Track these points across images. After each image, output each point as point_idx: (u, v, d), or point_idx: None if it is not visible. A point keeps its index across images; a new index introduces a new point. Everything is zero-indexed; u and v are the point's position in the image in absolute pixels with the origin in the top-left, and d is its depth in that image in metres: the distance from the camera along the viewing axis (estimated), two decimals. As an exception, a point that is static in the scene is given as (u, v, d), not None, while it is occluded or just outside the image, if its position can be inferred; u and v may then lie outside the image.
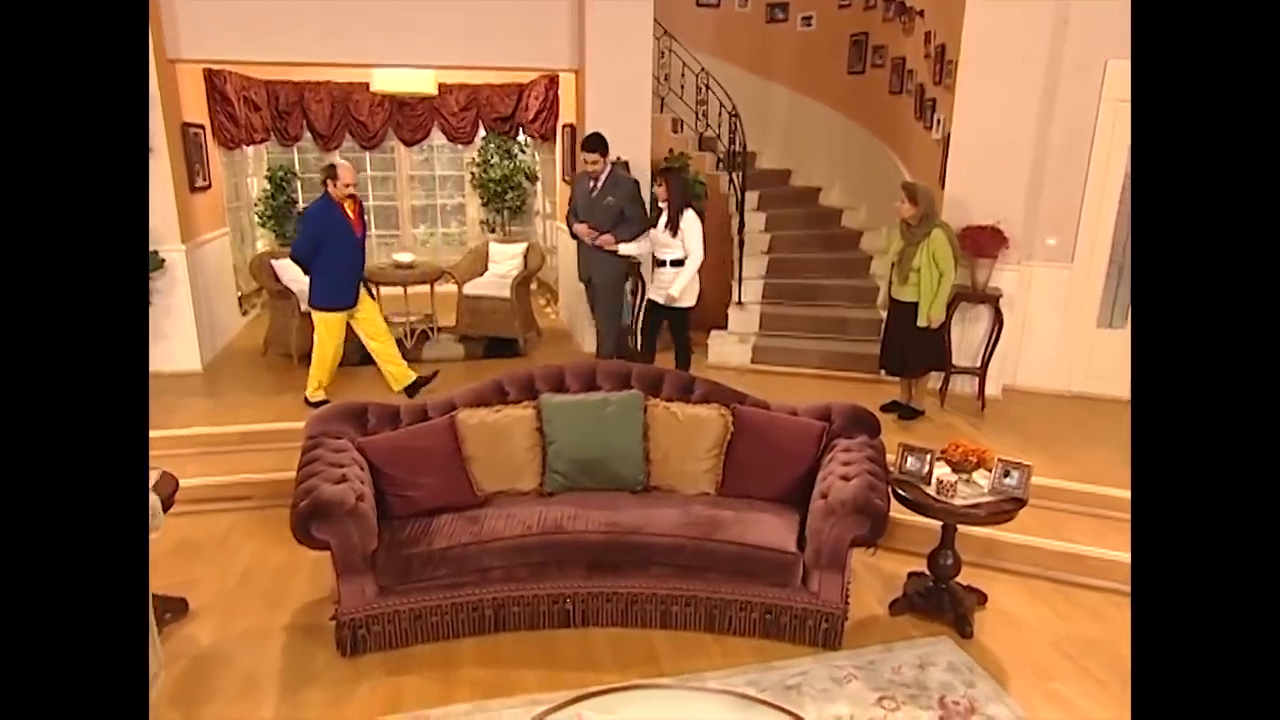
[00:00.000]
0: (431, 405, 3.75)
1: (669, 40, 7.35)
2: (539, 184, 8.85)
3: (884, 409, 5.15)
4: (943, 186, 5.60)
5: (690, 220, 5.07)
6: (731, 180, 7.11)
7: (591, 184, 5.35)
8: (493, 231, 8.77)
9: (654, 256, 5.26)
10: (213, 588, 3.68)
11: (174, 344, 5.85)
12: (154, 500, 2.81)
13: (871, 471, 3.31)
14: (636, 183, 5.51)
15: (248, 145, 7.67)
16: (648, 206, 5.50)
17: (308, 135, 8.33)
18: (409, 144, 8.61)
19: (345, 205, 5.05)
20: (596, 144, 5.24)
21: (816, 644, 3.27)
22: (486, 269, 6.89)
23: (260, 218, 8.17)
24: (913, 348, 5.09)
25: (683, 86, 7.54)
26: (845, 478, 3.27)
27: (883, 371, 5.52)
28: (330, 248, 4.98)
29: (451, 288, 6.84)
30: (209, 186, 6.58)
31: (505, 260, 6.84)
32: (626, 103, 6.06)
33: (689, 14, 7.87)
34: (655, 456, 3.68)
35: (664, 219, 5.11)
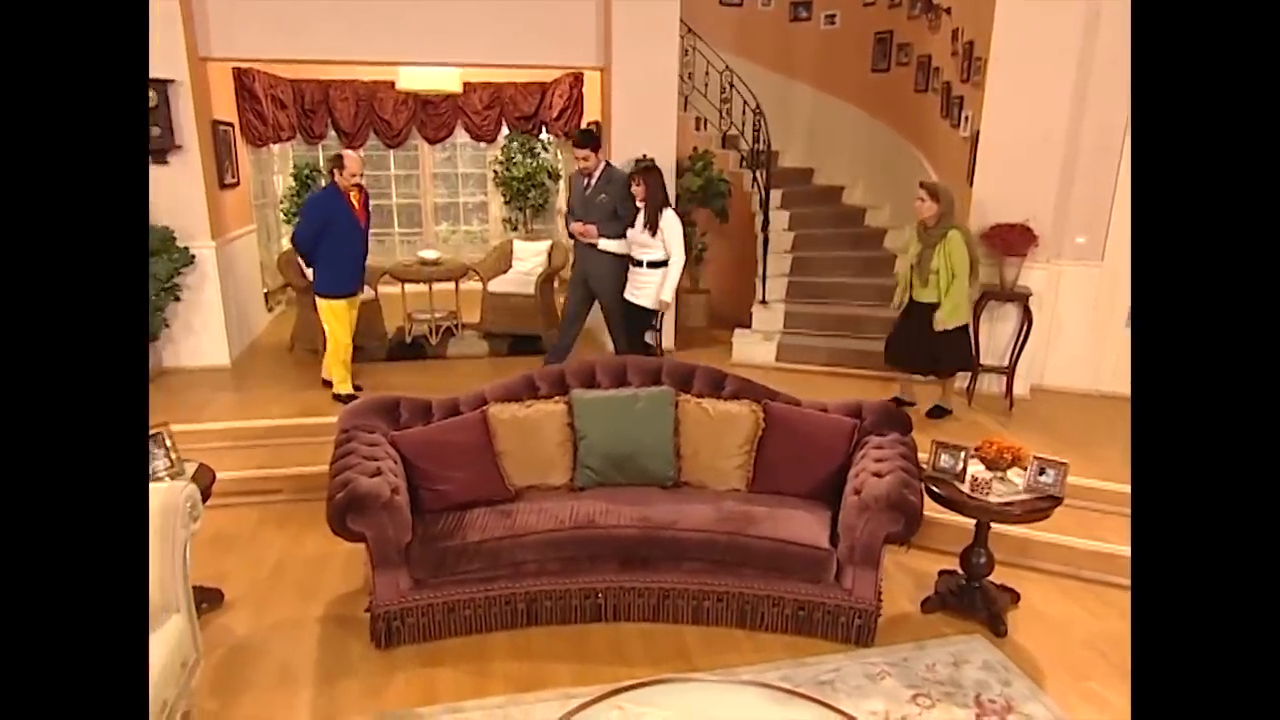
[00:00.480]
0: (463, 400, 3.77)
1: (693, 39, 7.35)
2: (561, 182, 8.87)
3: (897, 402, 5.07)
4: (970, 184, 5.57)
5: (670, 220, 4.93)
6: (755, 178, 7.10)
7: (586, 181, 5.31)
8: (515, 229, 8.80)
9: (631, 257, 5.10)
10: (246, 579, 3.72)
11: (203, 339, 5.91)
12: (193, 490, 2.84)
13: (905, 468, 3.29)
14: (629, 179, 5.44)
15: (274, 143, 7.74)
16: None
17: (333, 134, 8.39)
18: (432, 142, 8.65)
19: (350, 195, 5.12)
20: (587, 140, 5.21)
21: (849, 641, 3.27)
22: (511, 266, 6.91)
23: (285, 215, 8.24)
24: (942, 349, 4.96)
25: (706, 85, 7.54)
26: (879, 474, 3.26)
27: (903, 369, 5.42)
28: (334, 236, 5.03)
29: (476, 285, 6.87)
30: (237, 184, 6.64)
31: (529, 258, 6.86)
32: (652, 100, 6.08)
33: (712, 12, 7.87)
34: (686, 452, 3.68)
35: (641, 218, 4.95)
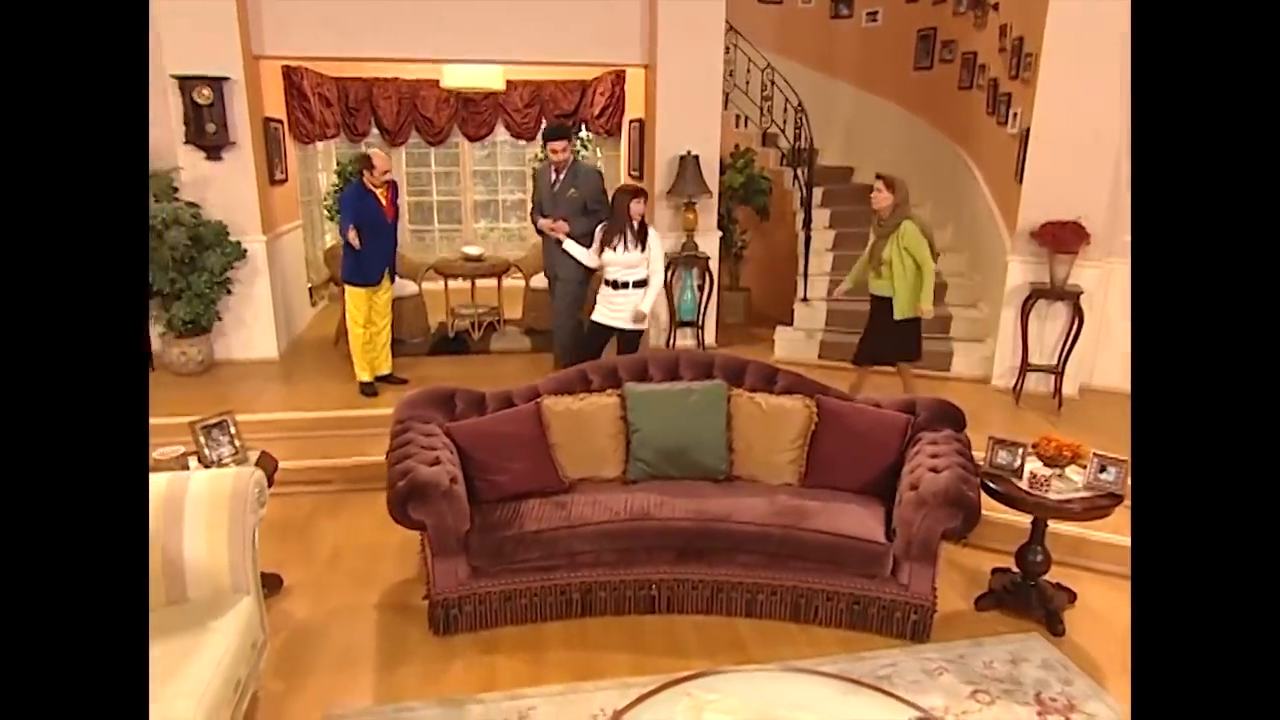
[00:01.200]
0: (516, 392, 3.80)
1: (733, 36, 7.35)
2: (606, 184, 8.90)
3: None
4: (1019, 181, 5.52)
5: (654, 236, 4.80)
6: (796, 176, 7.09)
7: (554, 176, 5.17)
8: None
9: (607, 278, 4.87)
10: (303, 566, 3.79)
11: (254, 332, 6.02)
12: (261, 476, 2.90)
13: (961, 464, 3.27)
14: (600, 174, 5.38)
15: (320, 141, 7.86)
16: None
17: (375, 131, 8.49)
18: (473, 140, 8.73)
19: (378, 191, 5.23)
20: (560, 133, 5.13)
21: (904, 636, 3.26)
22: (552, 263, 6.94)
23: (329, 211, 8.35)
24: (886, 340, 4.89)
25: (747, 83, 7.54)
26: (935, 469, 3.25)
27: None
28: (363, 230, 5.14)
29: (518, 282, 6.93)
30: (286, 180, 6.76)
31: (571, 254, 6.89)
32: (697, 97, 6.09)
33: (751, 10, 7.86)
34: (739, 446, 3.69)
35: (630, 236, 4.73)
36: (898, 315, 4.76)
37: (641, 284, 4.80)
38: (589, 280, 5.23)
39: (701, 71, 6.06)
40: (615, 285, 4.83)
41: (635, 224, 4.73)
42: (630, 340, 4.95)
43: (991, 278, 6.19)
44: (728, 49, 7.34)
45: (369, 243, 5.18)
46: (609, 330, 4.93)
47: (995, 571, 3.67)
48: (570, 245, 4.98)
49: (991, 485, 3.34)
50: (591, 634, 3.28)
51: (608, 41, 6.12)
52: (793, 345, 6.30)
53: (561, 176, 5.15)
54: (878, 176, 4.83)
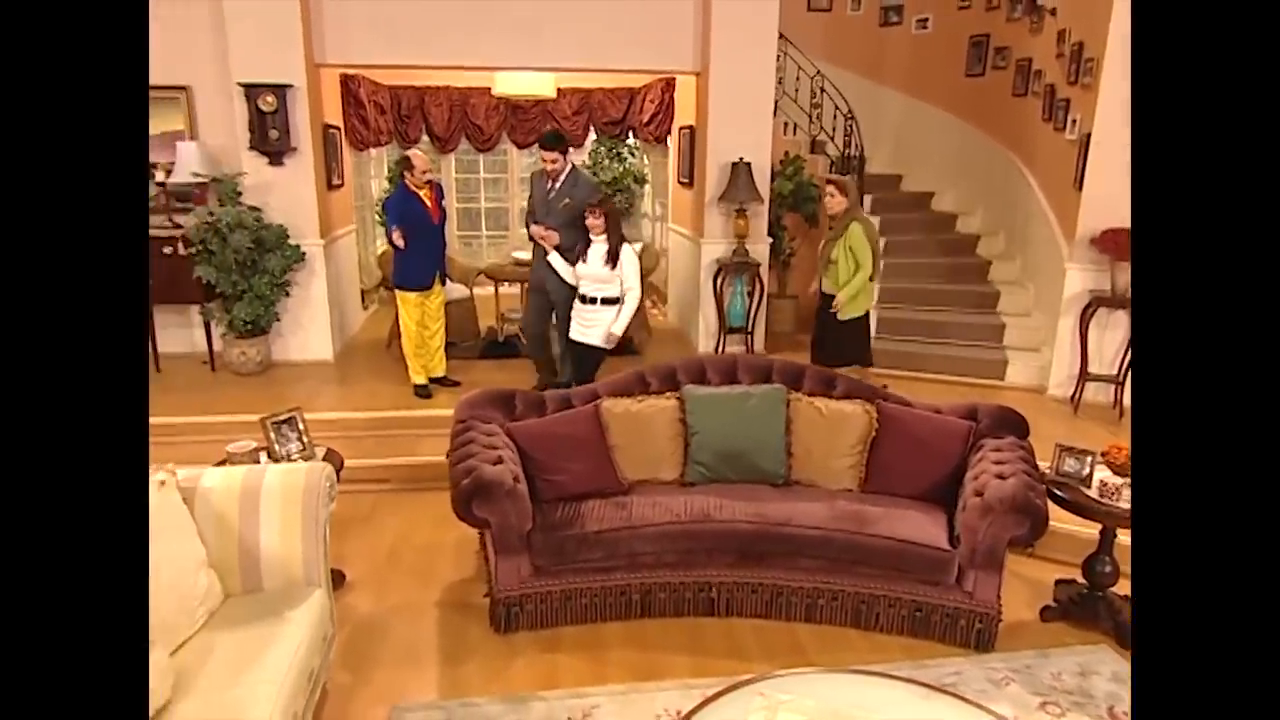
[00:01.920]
0: (575, 394, 3.84)
1: (783, 44, 7.35)
2: (647, 187, 8.95)
3: None
4: (1078, 188, 5.43)
5: (630, 255, 4.58)
6: (846, 183, 7.05)
7: (550, 184, 5.06)
8: (600, 233, 8.89)
9: (580, 293, 4.71)
10: (364, 563, 3.85)
11: (310, 334, 6.15)
12: (331, 471, 2.96)
13: (1027, 471, 3.23)
14: (597, 184, 5.33)
15: (374, 147, 8.01)
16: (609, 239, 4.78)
17: (425, 139, 8.63)
18: (521, 146, 8.83)
19: (422, 194, 5.29)
20: (555, 142, 5.02)
21: (968, 645, 3.21)
22: (601, 268, 6.98)
23: (379, 216, 8.50)
24: (834, 341, 4.94)
25: (796, 90, 7.53)
26: (1001, 476, 3.20)
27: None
28: (409, 232, 5.20)
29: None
30: (342, 185, 6.90)
31: (620, 260, 6.92)
32: (749, 105, 6.09)
33: (800, 18, 7.86)
34: (797, 451, 3.68)
35: (602, 252, 4.53)
36: (841, 316, 4.87)
37: (612, 301, 4.59)
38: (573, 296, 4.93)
39: (754, 78, 6.07)
40: (584, 300, 4.67)
41: (595, 236, 4.53)
42: (587, 358, 4.76)
43: (1046, 286, 6.09)
44: (777, 56, 7.35)
45: (417, 245, 5.25)
46: (587, 349, 4.73)
47: (1059, 583, 3.60)
48: (554, 258, 4.86)
49: (1058, 493, 3.28)
50: (651, 635, 3.28)
51: (660, 49, 6.16)
52: (842, 352, 6.25)
53: (558, 185, 5.05)
54: (828, 181, 5.02)
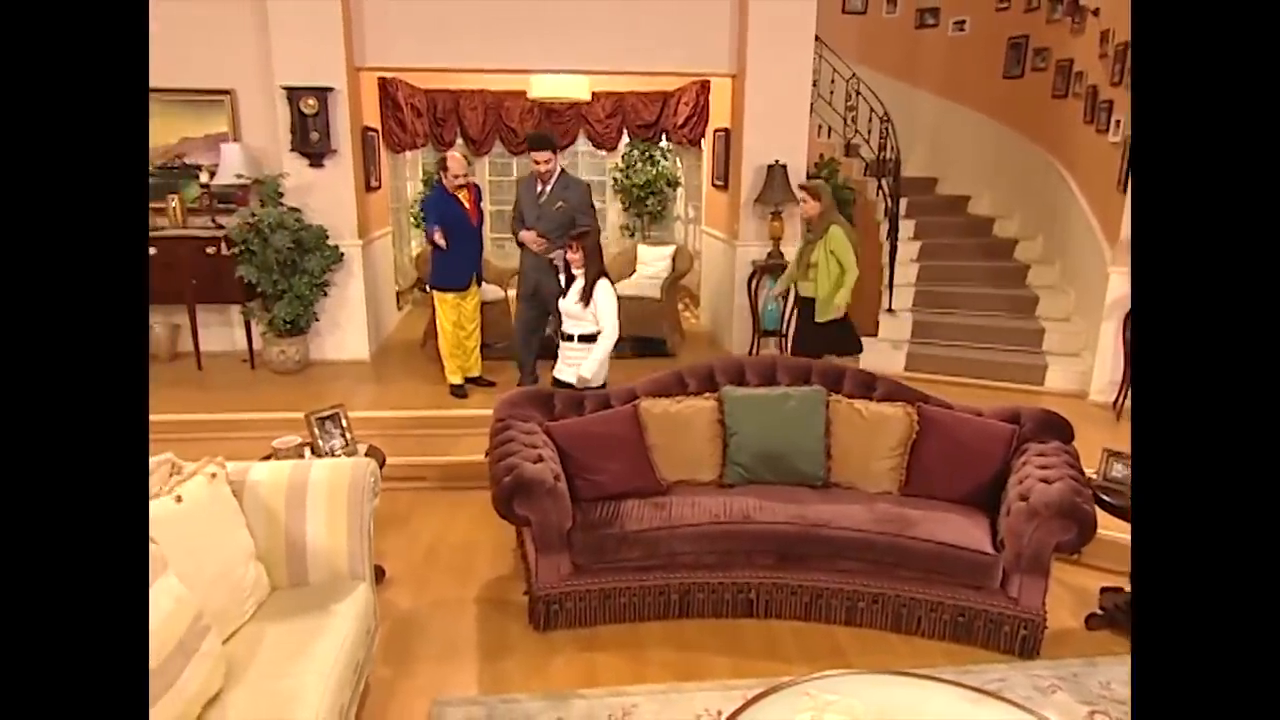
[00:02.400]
0: (613, 394, 3.84)
1: (818, 46, 7.31)
2: (680, 190, 8.96)
3: None
4: (1123, 190, 5.34)
5: (605, 291, 4.08)
6: (880, 186, 7.01)
7: (540, 187, 5.01)
8: (632, 236, 8.92)
9: (561, 331, 4.29)
10: (403, 559, 3.88)
11: (348, 333, 6.23)
12: (375, 467, 2.99)
13: (1073, 476, 3.18)
14: (588, 186, 5.22)
15: (410, 150, 8.10)
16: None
17: (460, 142, 8.70)
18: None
19: (460, 195, 5.34)
20: (544, 143, 4.95)
21: (1011, 652, 3.16)
22: (635, 270, 7.01)
23: (414, 219, 8.59)
24: (814, 341, 4.98)
25: (831, 93, 7.50)
26: (1047, 480, 3.15)
27: None
28: (448, 233, 5.23)
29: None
30: (379, 187, 6.98)
31: (654, 262, 6.95)
32: (785, 107, 6.08)
33: (834, 21, 7.81)
34: (836, 453, 3.65)
35: (576, 288, 4.10)
36: (819, 318, 4.96)
37: (589, 339, 4.11)
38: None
39: (790, 80, 6.05)
40: (564, 337, 4.24)
41: (576, 271, 4.10)
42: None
43: (1088, 290, 5.99)
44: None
45: (455, 246, 5.29)
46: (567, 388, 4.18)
47: (1105, 590, 3.54)
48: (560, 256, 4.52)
49: (1106, 499, 3.23)
50: (690, 635, 3.27)
51: (697, 51, 6.16)
52: (878, 356, 6.19)
53: (549, 188, 4.98)
54: (800, 186, 5.09)
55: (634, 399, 3.75)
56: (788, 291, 6.18)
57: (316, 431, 3.43)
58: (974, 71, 7.79)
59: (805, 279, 5.01)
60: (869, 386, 3.80)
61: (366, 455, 3.51)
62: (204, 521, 2.52)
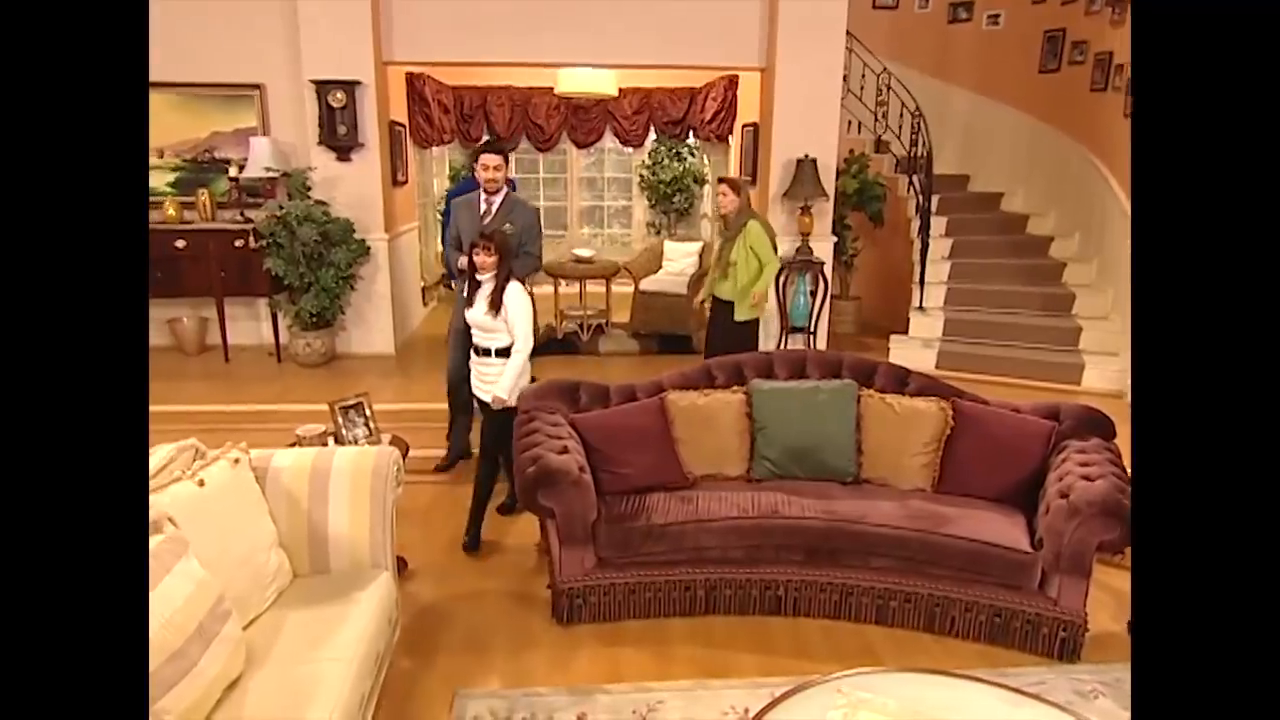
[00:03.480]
0: (639, 386, 3.78)
1: (849, 41, 7.21)
2: (706, 187, 8.89)
3: None
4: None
5: (515, 296, 3.63)
6: (912, 183, 6.89)
7: (484, 207, 4.25)
8: (659, 234, 8.86)
9: (474, 345, 3.82)
10: (425, 551, 3.84)
11: (374, 328, 6.22)
12: (399, 456, 2.95)
13: (1116, 474, 3.06)
14: (538, 211, 4.65)
15: (437, 146, 8.11)
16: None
17: (486, 138, 8.71)
18: (581, 146, 8.84)
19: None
20: (499, 146, 4.47)
21: (1050, 655, 3.05)
22: (661, 267, 6.95)
23: (439, 215, 8.60)
24: (726, 342, 4.77)
25: (861, 88, 7.39)
26: (1088, 478, 3.04)
27: None
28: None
29: (626, 288, 6.94)
30: (406, 182, 6.99)
31: (680, 258, 6.89)
32: (815, 100, 5.99)
33: (865, 16, 7.69)
34: (868, 448, 3.56)
35: (483, 294, 3.65)
36: (738, 316, 4.87)
37: (505, 353, 3.69)
38: None
39: (821, 74, 5.96)
40: (477, 351, 3.81)
41: (481, 277, 3.68)
42: (491, 424, 3.82)
43: (1127, 288, 5.83)
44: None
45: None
46: (490, 410, 3.82)
47: (1147, 593, 3.41)
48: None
49: (1151, 498, 3.10)
50: (716, 632, 3.20)
51: (726, 45, 6.09)
52: (909, 354, 6.09)
53: (494, 209, 4.23)
54: (720, 180, 4.95)
55: (660, 391, 3.69)
56: (818, 290, 6.10)
57: (340, 421, 3.41)
58: (1008, 66, 7.64)
59: (725, 279, 4.88)
60: (902, 381, 3.70)
61: (390, 445, 3.47)
62: (226, 506, 2.50)
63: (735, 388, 3.71)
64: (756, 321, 4.97)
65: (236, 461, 2.64)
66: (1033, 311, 6.32)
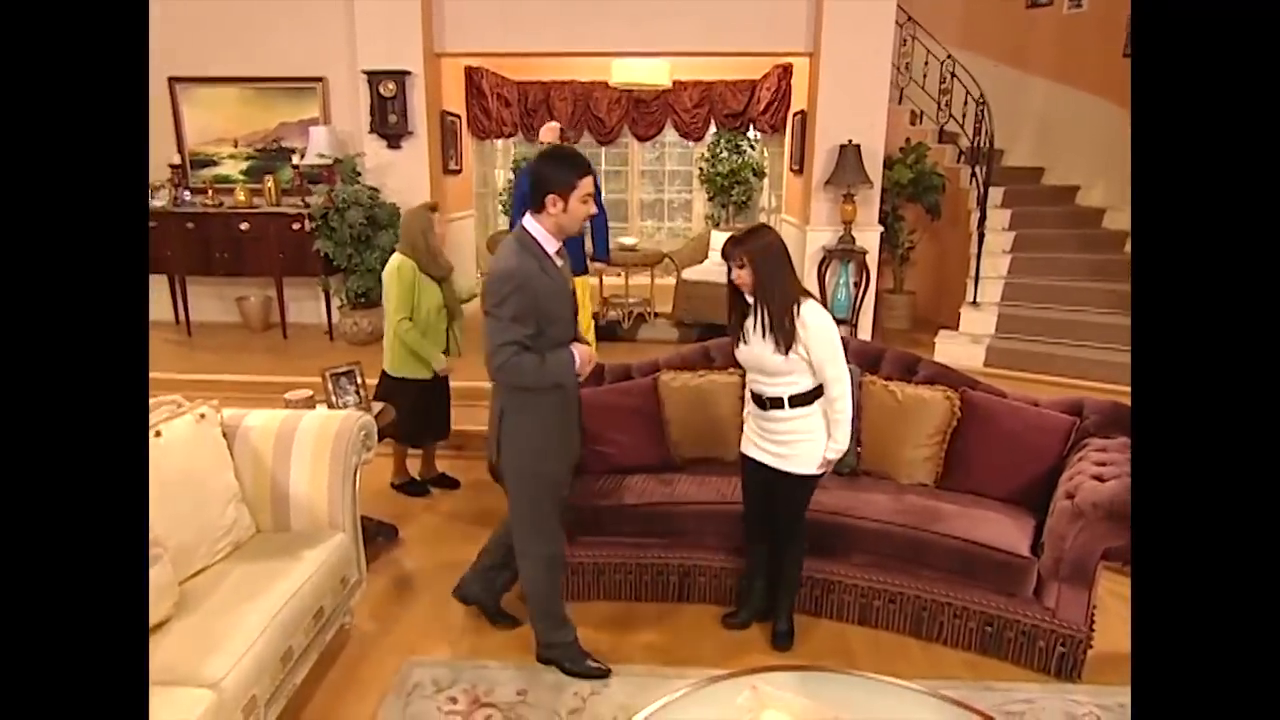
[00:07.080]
0: (636, 365, 3.70)
1: (912, 27, 6.90)
2: (765, 179, 8.69)
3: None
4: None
5: (816, 317, 2.73)
6: (974, 174, 6.51)
7: (560, 262, 2.67)
8: (716, 226, 8.72)
9: (754, 394, 2.86)
10: (421, 522, 3.90)
11: (417, 310, 6.34)
12: (368, 421, 2.98)
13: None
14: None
15: (497, 138, 8.24)
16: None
17: (555, 125, 8.78)
18: (642, 139, 8.81)
19: None
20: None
21: (1046, 670, 2.78)
22: (707, 256, 6.83)
23: (503, 206, 8.73)
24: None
25: (925, 77, 7.05)
26: (1099, 478, 2.76)
27: None
28: None
29: (670, 281, 6.85)
30: (460, 171, 7.12)
31: (725, 249, 6.74)
32: (862, 85, 5.74)
33: (934, 2, 7.33)
34: (867, 438, 3.35)
35: (758, 323, 2.71)
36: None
37: (804, 400, 2.77)
38: None
39: (868, 58, 5.71)
40: (759, 402, 2.82)
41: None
42: (792, 498, 2.86)
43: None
44: (905, 41, 6.91)
45: None
46: None
47: (1175, 612, 3.07)
48: None
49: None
50: (685, 620, 3.08)
51: (772, 30, 5.91)
52: (954, 350, 5.74)
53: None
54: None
55: (656, 371, 3.59)
56: (861, 280, 5.82)
57: (331, 387, 3.47)
58: (1091, 52, 7.12)
59: None
60: (910, 369, 3.47)
61: (379, 414, 3.51)
62: (181, 459, 2.56)
63: (733, 370, 3.56)
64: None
65: (202, 417, 2.71)
66: (1098, 309, 5.85)
